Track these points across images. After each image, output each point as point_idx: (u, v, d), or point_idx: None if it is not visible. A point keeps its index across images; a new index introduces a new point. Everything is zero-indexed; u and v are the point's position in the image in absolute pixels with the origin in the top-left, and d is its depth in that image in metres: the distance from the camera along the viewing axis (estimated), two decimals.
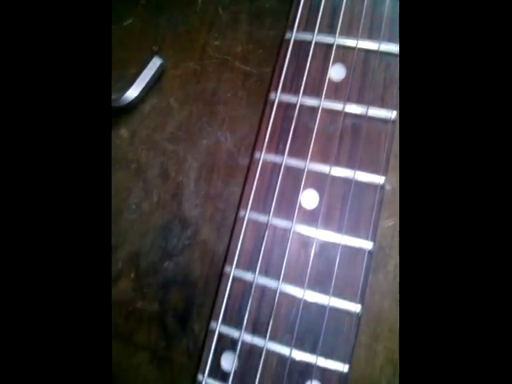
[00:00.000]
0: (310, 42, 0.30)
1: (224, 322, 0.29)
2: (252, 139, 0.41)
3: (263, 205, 0.29)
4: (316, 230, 0.28)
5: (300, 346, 0.27)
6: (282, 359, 0.27)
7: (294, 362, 0.27)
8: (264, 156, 0.30)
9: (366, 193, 0.28)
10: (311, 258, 0.28)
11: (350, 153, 0.28)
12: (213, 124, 0.44)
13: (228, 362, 0.28)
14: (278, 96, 0.30)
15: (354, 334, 0.27)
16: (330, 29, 0.30)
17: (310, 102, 0.29)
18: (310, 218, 0.28)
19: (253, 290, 0.28)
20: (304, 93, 0.30)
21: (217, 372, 0.28)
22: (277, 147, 0.30)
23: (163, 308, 0.41)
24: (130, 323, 0.42)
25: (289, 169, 0.29)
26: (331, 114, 0.29)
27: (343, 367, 0.27)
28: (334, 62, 0.30)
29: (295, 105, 0.30)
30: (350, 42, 0.29)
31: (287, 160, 0.29)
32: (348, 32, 0.30)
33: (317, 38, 0.30)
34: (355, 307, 0.27)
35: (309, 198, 0.29)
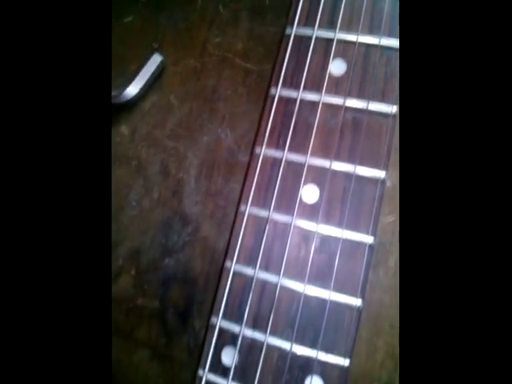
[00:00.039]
0: (310, 37, 0.30)
1: (224, 316, 0.29)
2: (252, 136, 0.41)
3: (263, 200, 0.29)
4: (316, 225, 0.28)
5: (301, 340, 0.27)
6: (282, 354, 0.27)
7: (294, 357, 0.27)
8: (264, 151, 0.30)
9: (367, 187, 0.28)
10: (312, 253, 0.28)
11: (350, 147, 0.28)
12: (213, 121, 0.44)
13: (228, 356, 0.28)
14: (279, 91, 0.30)
15: (355, 328, 0.27)
16: (330, 24, 0.30)
17: (311, 96, 0.29)
18: (311, 212, 0.28)
19: (253, 284, 0.28)
20: (304, 88, 0.30)
21: (217, 367, 0.28)
22: (277, 142, 0.30)
23: (164, 305, 0.41)
24: (131, 320, 0.42)
25: (289, 164, 0.29)
26: (332, 108, 0.29)
27: (344, 361, 0.27)
28: (334, 57, 0.30)
29: (296, 100, 0.30)
30: (351, 37, 0.29)
31: (288, 155, 0.29)
32: (348, 27, 0.30)
33: (317, 33, 0.30)
34: (356, 301, 0.27)
35: (309, 193, 0.29)
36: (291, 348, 0.27)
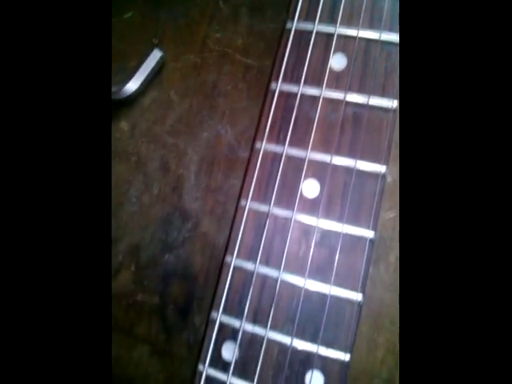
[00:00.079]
0: (310, 32, 0.30)
1: (225, 311, 0.29)
2: (252, 132, 0.41)
3: (264, 194, 0.29)
4: (317, 220, 0.28)
5: (301, 335, 0.27)
6: (283, 348, 0.27)
7: (295, 352, 0.27)
8: (265, 146, 0.30)
9: (368, 182, 0.28)
10: (312, 247, 0.28)
11: (351, 142, 0.28)
12: (213, 117, 0.44)
13: (229, 351, 0.28)
14: (279, 86, 0.30)
15: (356, 323, 0.27)
16: (330, 19, 0.30)
17: (311, 91, 0.29)
18: (311, 207, 0.28)
19: (254, 279, 0.28)
20: (305, 82, 0.30)
21: (218, 362, 0.28)
22: (278, 137, 0.30)
23: (163, 301, 0.41)
24: (131, 316, 0.42)
25: (290, 158, 0.29)
26: (332, 103, 0.29)
27: (344, 356, 0.27)
28: (334, 52, 0.29)
29: (296, 94, 0.30)
30: (351, 32, 0.29)
31: (288, 149, 0.29)
32: (349, 22, 0.30)
33: (318, 27, 0.30)
34: (356, 296, 0.27)
35: (310, 188, 0.29)
36: (291, 343, 0.27)
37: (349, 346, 0.27)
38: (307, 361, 0.27)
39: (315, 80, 0.30)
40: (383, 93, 0.28)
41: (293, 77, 0.30)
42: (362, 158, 0.28)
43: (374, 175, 0.28)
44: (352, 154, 0.28)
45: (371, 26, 0.29)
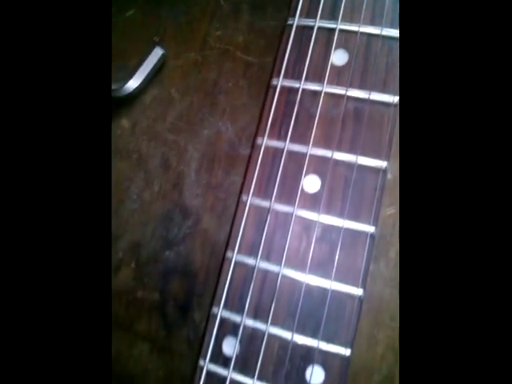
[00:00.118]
0: (312, 28, 0.30)
1: (226, 306, 0.29)
2: (253, 129, 0.41)
3: (265, 190, 0.29)
4: (318, 215, 0.28)
5: (302, 330, 0.27)
6: (283, 344, 0.27)
7: (295, 347, 0.27)
8: (266, 142, 0.30)
9: (368, 177, 0.28)
10: (313, 243, 0.28)
11: (352, 137, 0.28)
12: (214, 114, 0.44)
13: (230, 346, 0.28)
14: (281, 82, 0.30)
15: (356, 317, 0.27)
16: (331, 15, 0.30)
17: (313, 87, 0.30)
18: (312, 202, 0.28)
19: (255, 274, 0.28)
20: (306, 78, 0.30)
21: (218, 357, 0.28)
22: (279, 133, 0.30)
23: (164, 297, 0.41)
24: (131, 313, 0.42)
25: (291, 154, 0.29)
26: (333, 98, 0.29)
27: (345, 351, 0.27)
28: (336, 48, 0.30)
29: (297, 90, 0.30)
30: (353, 28, 0.29)
31: (289, 145, 0.29)
32: (350, 18, 0.30)
33: (319, 23, 0.30)
34: (357, 291, 0.27)
35: (311, 183, 0.29)
36: (292, 338, 0.27)
37: (349, 341, 0.27)
38: (308, 356, 0.27)
39: (316, 76, 0.30)
40: (384, 88, 0.28)
41: (294, 72, 0.30)
42: (363, 153, 0.28)
43: (374, 170, 0.28)
44: (353, 149, 0.28)
45: (372, 21, 0.29)
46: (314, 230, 0.28)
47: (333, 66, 0.29)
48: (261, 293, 0.28)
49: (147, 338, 0.41)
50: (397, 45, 0.29)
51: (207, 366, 0.28)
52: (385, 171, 0.28)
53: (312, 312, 0.27)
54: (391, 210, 0.38)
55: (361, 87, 0.29)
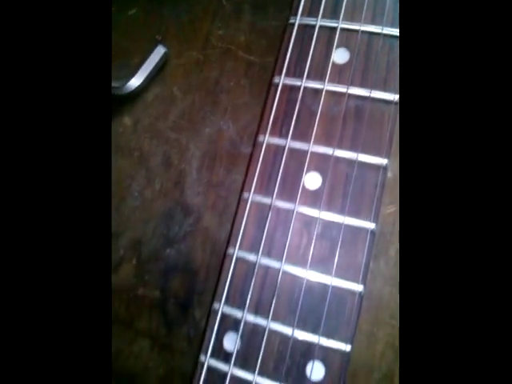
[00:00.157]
0: (313, 26, 0.30)
1: (227, 302, 0.29)
2: (254, 128, 0.42)
3: (266, 187, 0.30)
4: (319, 212, 0.28)
5: (302, 326, 0.27)
6: (284, 339, 0.28)
7: (296, 342, 0.27)
8: (268, 139, 0.30)
9: (369, 174, 0.28)
10: (314, 239, 0.28)
11: (353, 135, 0.29)
12: (215, 113, 0.44)
13: (230, 342, 0.28)
14: (282, 80, 0.30)
15: (356, 313, 0.27)
16: (333, 14, 0.31)
17: (314, 85, 0.30)
18: (313, 199, 0.29)
19: (256, 270, 0.29)
20: (308, 76, 0.30)
21: (219, 352, 0.29)
22: (280, 130, 0.30)
23: (164, 295, 0.42)
24: (131, 310, 0.42)
25: (292, 151, 0.29)
26: (334, 96, 0.29)
27: (345, 347, 0.27)
28: (337, 46, 0.30)
29: (299, 88, 0.30)
30: (354, 26, 0.30)
31: (291, 143, 0.29)
32: (351, 16, 0.30)
33: (321, 22, 0.30)
34: (357, 287, 0.27)
35: (312, 180, 0.29)
36: (293, 333, 0.27)
37: (349, 337, 0.27)
38: (308, 351, 0.27)
39: (318, 74, 0.30)
40: (385, 86, 0.29)
41: (296, 71, 0.30)
42: (364, 150, 0.28)
43: (375, 168, 0.28)
44: (354, 147, 0.29)
45: (373, 20, 0.30)
46: (315, 227, 0.28)
47: (334, 65, 0.30)
48: (262, 289, 0.28)
49: (148, 336, 0.42)
50: (397, 43, 0.29)
51: (208, 361, 0.29)
52: (385, 168, 0.28)
53: (312, 308, 0.28)
54: (391, 209, 0.38)
55: (362, 85, 0.29)
